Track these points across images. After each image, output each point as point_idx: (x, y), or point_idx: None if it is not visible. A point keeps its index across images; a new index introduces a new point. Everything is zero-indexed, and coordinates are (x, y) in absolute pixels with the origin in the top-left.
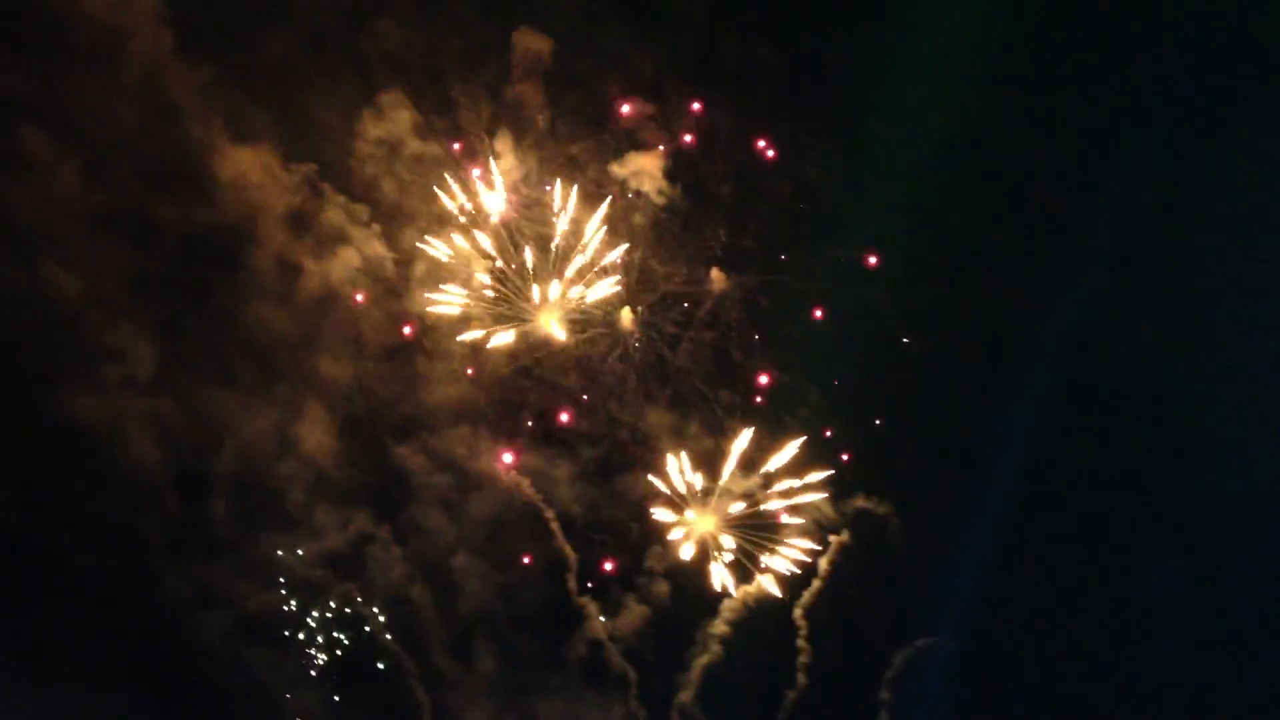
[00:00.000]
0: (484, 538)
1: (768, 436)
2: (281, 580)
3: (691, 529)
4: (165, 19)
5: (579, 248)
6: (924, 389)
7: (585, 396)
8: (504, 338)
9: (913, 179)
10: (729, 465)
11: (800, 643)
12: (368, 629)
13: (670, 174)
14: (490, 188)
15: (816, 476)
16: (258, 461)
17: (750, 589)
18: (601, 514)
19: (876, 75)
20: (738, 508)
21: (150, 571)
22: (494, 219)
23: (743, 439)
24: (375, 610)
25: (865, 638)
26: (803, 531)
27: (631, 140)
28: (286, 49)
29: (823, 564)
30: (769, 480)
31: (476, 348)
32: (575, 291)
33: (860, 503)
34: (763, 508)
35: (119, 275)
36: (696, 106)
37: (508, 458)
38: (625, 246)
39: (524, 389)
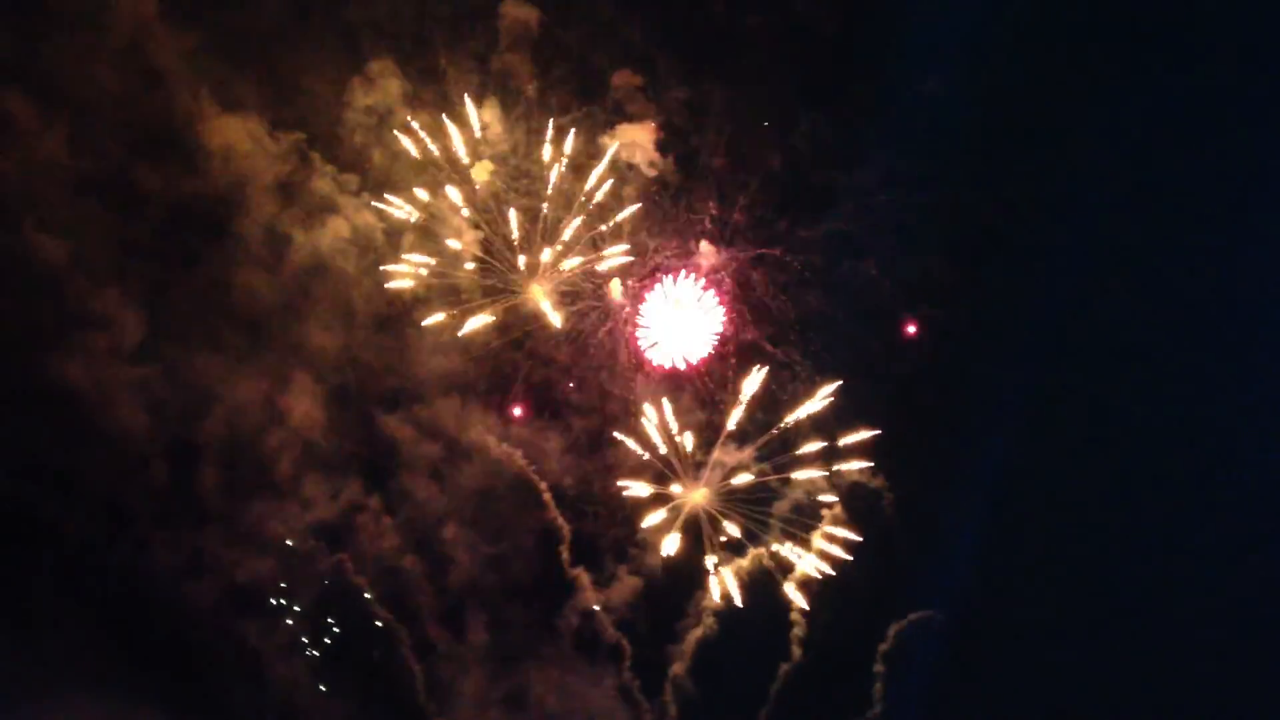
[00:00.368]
0: (475, 509)
1: (760, 413)
2: (271, 550)
3: (682, 504)
4: None
5: (578, 208)
6: (918, 365)
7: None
8: (477, 321)
9: (907, 149)
10: (740, 409)
11: (794, 616)
12: (364, 597)
13: (661, 146)
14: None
15: (813, 447)
16: (247, 431)
17: (744, 564)
18: (593, 486)
19: (872, 43)
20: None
21: (137, 540)
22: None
23: (756, 378)
24: (366, 581)
25: (859, 611)
26: (797, 505)
27: (621, 112)
28: (273, 15)
29: (815, 537)
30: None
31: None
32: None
33: (854, 476)
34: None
35: (106, 242)
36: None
37: (517, 411)
38: (636, 208)
39: (514, 361)
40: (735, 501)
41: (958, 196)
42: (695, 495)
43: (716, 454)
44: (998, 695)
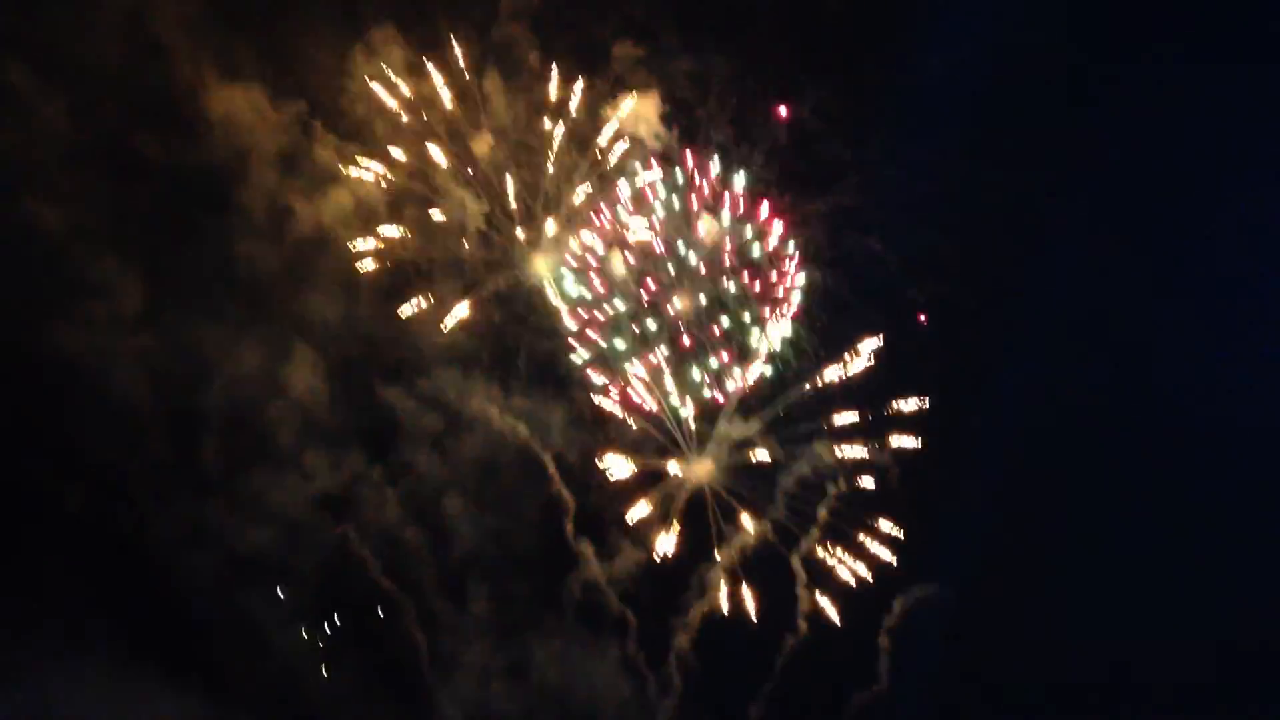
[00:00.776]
0: (478, 481)
1: (765, 385)
2: (274, 522)
3: (685, 478)
4: None
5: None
6: (924, 338)
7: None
8: (461, 310)
9: (914, 125)
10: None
11: (799, 590)
12: (369, 569)
13: (666, 119)
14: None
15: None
16: (249, 401)
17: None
18: (596, 458)
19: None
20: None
21: (138, 511)
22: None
23: (773, 333)
24: (370, 553)
25: (864, 585)
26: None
27: (623, 84)
28: None
29: (821, 514)
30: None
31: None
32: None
33: (860, 451)
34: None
35: (107, 212)
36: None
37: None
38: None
39: (516, 333)
40: (741, 476)
41: (968, 173)
42: (698, 470)
43: (721, 426)
44: (1004, 672)
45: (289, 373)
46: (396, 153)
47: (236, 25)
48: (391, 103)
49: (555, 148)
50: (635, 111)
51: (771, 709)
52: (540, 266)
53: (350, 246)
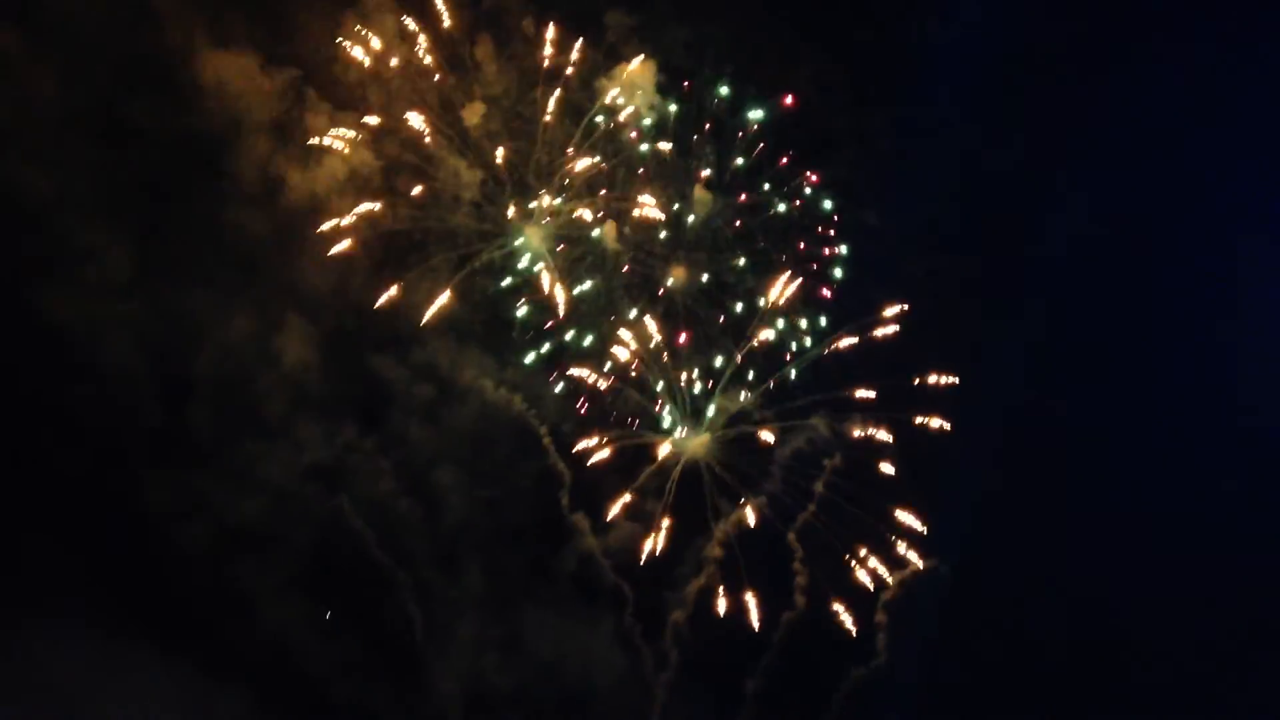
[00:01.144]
0: (472, 453)
1: (762, 359)
2: (267, 491)
3: (679, 450)
4: None
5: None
6: (922, 310)
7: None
8: (439, 302)
9: (912, 97)
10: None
11: (796, 565)
12: (363, 540)
13: (661, 88)
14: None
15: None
16: (242, 370)
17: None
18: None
19: None
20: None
21: (130, 479)
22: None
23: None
24: (364, 524)
25: (860, 562)
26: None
27: (617, 54)
28: None
29: (818, 488)
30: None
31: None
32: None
33: (856, 428)
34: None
35: (97, 178)
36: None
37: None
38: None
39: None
40: (737, 450)
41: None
42: (693, 443)
43: (719, 400)
44: (1000, 647)
45: (281, 342)
46: (389, 120)
47: None
48: (383, 71)
49: (548, 116)
50: (631, 79)
51: (768, 684)
52: (533, 237)
53: (341, 216)
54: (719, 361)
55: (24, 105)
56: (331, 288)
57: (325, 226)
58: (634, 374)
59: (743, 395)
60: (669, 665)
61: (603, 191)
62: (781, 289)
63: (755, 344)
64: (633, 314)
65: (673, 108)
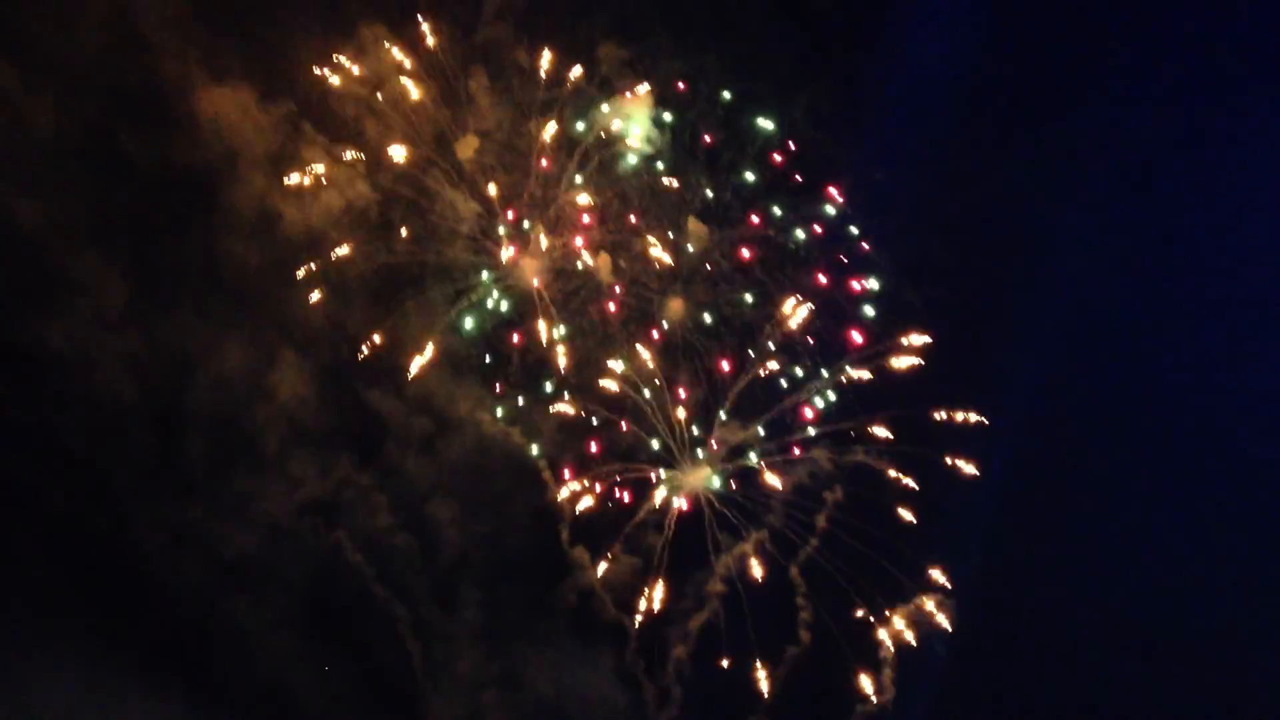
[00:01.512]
0: (469, 487)
1: (761, 390)
2: (263, 526)
3: (680, 484)
4: None
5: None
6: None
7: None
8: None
9: (907, 123)
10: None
11: (799, 600)
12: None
13: (656, 121)
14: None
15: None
16: (237, 404)
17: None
18: (590, 465)
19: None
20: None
21: (124, 515)
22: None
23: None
24: (361, 559)
25: (864, 595)
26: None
27: (610, 88)
28: None
29: (820, 521)
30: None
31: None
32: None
33: (860, 456)
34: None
35: (92, 211)
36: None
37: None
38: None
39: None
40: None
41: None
42: (696, 477)
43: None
44: (1008, 688)
45: (277, 376)
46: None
47: (223, 25)
48: (377, 104)
49: (543, 150)
50: (625, 112)
51: None
52: (527, 270)
53: (338, 250)
54: (719, 392)
55: (20, 137)
56: (326, 321)
57: (300, 272)
58: (631, 406)
59: (744, 428)
60: (671, 702)
61: (595, 223)
62: (788, 315)
63: (761, 374)
64: (629, 347)
65: (667, 135)
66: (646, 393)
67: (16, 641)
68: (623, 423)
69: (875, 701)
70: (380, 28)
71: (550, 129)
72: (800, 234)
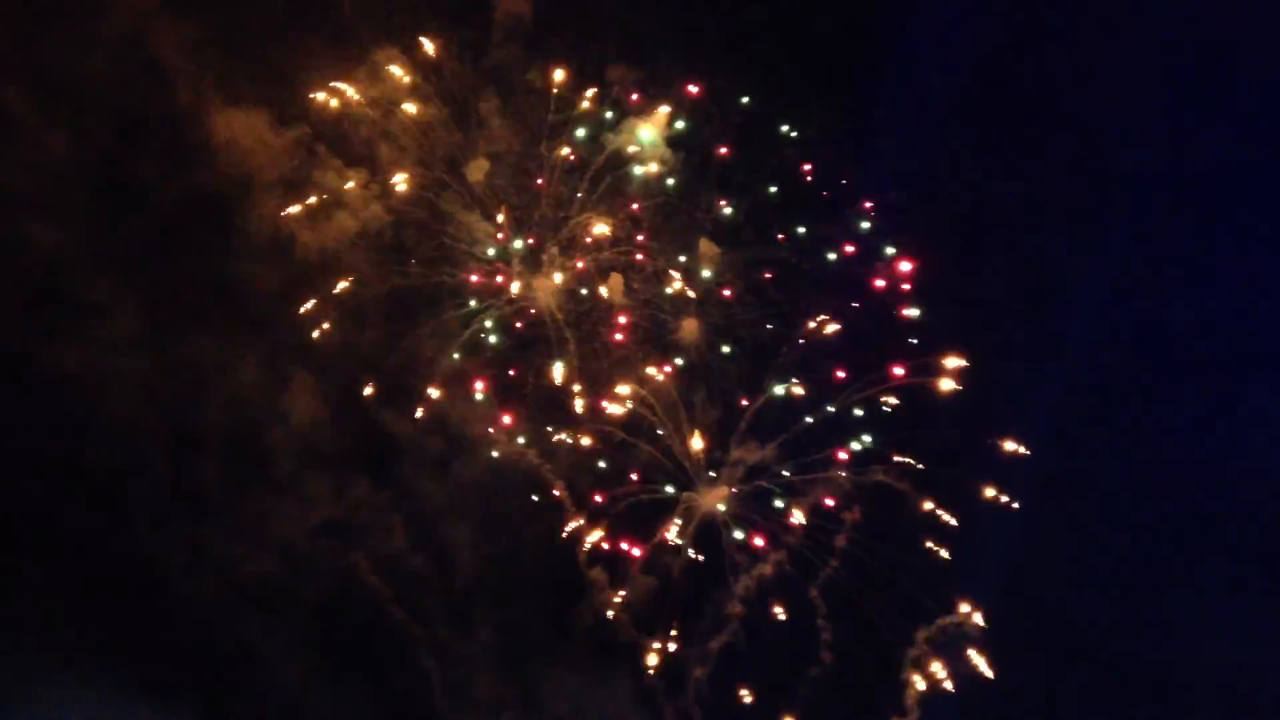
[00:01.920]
0: (485, 508)
1: (777, 410)
2: (279, 549)
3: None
4: None
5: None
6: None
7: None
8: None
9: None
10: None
11: (820, 621)
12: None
13: (669, 141)
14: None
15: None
16: (253, 426)
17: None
18: (606, 486)
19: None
20: None
21: (140, 537)
22: None
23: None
24: (379, 581)
25: (886, 616)
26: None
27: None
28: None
29: (839, 541)
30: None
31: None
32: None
33: (880, 476)
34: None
35: (107, 235)
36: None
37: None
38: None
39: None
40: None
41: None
42: (710, 499)
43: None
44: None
45: (292, 398)
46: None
47: (237, 50)
48: (390, 127)
49: (554, 171)
50: (637, 133)
51: None
52: (541, 292)
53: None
54: (736, 411)
55: (36, 162)
56: (340, 343)
57: (305, 307)
58: (646, 427)
59: (761, 448)
60: None
61: (607, 244)
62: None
63: (777, 393)
64: (643, 368)
65: (680, 155)
66: (662, 413)
67: (32, 663)
68: (638, 443)
69: None
70: (393, 50)
71: (562, 150)
72: (827, 254)
